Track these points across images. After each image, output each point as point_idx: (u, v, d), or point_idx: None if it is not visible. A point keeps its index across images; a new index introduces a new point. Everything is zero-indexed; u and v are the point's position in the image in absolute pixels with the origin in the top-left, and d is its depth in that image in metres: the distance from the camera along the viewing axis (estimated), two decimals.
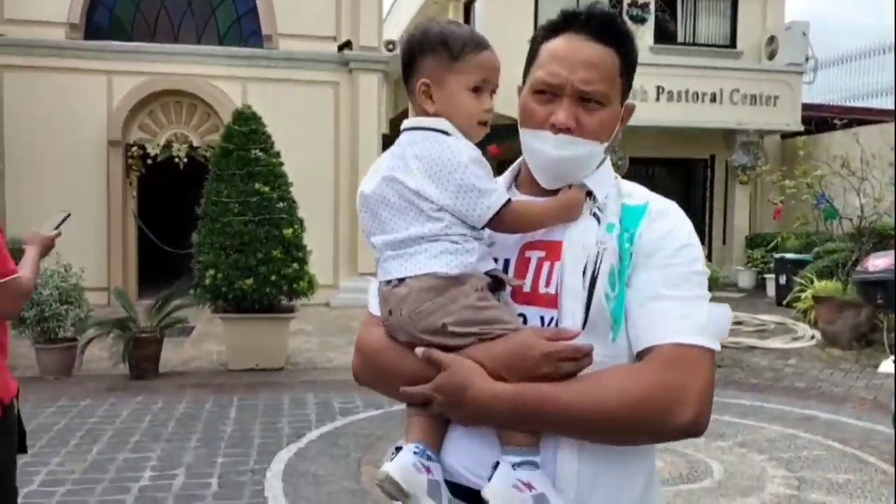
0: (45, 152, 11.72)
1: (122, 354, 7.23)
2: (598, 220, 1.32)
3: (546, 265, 1.32)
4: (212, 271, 7.59)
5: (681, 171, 16.43)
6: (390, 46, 12.73)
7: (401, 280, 1.27)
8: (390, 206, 1.30)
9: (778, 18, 16.19)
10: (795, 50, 15.35)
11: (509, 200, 1.28)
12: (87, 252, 10.72)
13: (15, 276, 2.47)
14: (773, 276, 13.09)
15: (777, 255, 12.97)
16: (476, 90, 1.33)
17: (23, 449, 2.67)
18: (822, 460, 5.13)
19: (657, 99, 14.43)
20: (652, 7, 15.31)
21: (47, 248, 2.84)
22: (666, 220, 1.32)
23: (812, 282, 9.90)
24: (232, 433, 5.72)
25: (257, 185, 7.78)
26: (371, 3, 12.92)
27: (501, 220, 1.27)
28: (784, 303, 11.30)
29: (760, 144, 15.53)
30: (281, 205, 7.89)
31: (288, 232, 7.79)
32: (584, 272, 1.26)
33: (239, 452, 5.26)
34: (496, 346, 1.22)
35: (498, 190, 1.28)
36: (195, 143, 12.33)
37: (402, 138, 1.34)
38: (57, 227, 2.93)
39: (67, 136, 11.84)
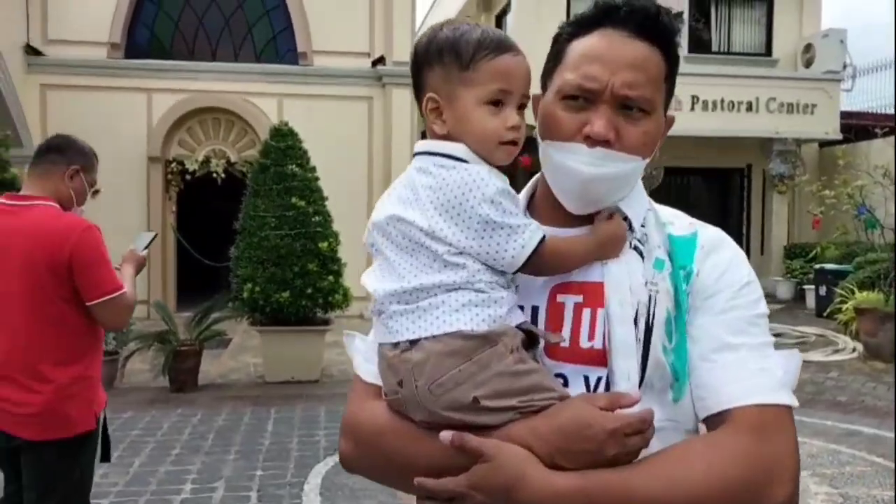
0: None
1: (162, 367, 7.35)
2: (642, 254, 1.12)
3: (586, 313, 1.09)
4: (249, 285, 7.71)
5: (717, 181, 16.27)
6: None
7: (413, 342, 1.02)
8: (397, 246, 1.08)
9: (814, 26, 15.98)
10: (833, 58, 15.13)
11: (544, 237, 1.06)
12: None
13: (122, 291, 2.70)
14: (812, 286, 12.88)
15: (817, 266, 12.77)
16: (496, 104, 1.07)
17: (106, 458, 2.87)
18: (866, 476, 5.03)
19: (692, 108, 14.31)
20: (686, 16, 15.20)
21: (141, 266, 3.09)
22: (722, 252, 1.13)
23: (853, 293, 9.73)
24: (270, 446, 5.79)
25: (294, 200, 7.89)
26: (404, 19, 13.05)
27: (536, 262, 1.05)
28: (824, 314, 11.11)
29: (798, 153, 15.32)
30: (317, 219, 7.99)
31: (323, 245, 7.88)
32: (635, 321, 1.06)
33: (277, 465, 5.32)
34: (543, 423, 0.98)
35: (531, 225, 1.06)
36: (232, 159, 12.53)
37: (414, 163, 1.11)
38: (146, 247, 3.20)
39: (109, 153, 12.06)
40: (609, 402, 0.99)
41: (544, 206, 1.18)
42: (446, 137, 1.09)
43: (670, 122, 1.19)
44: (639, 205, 1.17)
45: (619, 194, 1.13)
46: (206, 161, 12.44)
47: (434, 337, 1.01)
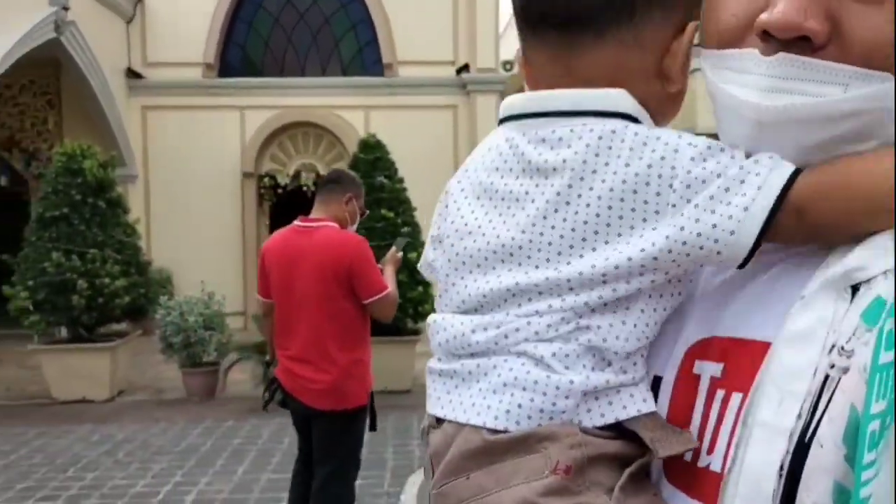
0: (185, 186, 12.46)
1: (261, 377, 7.55)
2: (856, 290, 0.56)
3: (718, 398, 0.62)
4: None
5: None
6: (507, 66, 12.81)
7: (439, 420, 0.69)
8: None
9: None
10: None
11: (797, 171, 0.59)
12: (226, 278, 11.31)
13: (387, 290, 3.48)
14: None
15: None
16: None
17: (373, 427, 3.76)
18: None
19: None
20: None
21: (397, 266, 3.77)
22: None
23: None
24: (366, 455, 5.83)
25: (383, 211, 7.98)
26: (487, 25, 13.06)
27: (797, 218, 0.58)
28: None
29: None
30: (405, 229, 8.05)
31: (412, 256, 7.93)
32: (795, 427, 0.54)
33: (373, 475, 5.37)
34: None
35: (765, 159, 0.60)
36: (321, 172, 12.81)
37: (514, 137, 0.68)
38: (399, 250, 3.88)
39: (205, 170, 12.56)
40: None
41: None
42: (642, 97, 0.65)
43: None
44: None
45: (853, 147, 0.59)
46: (297, 174, 12.77)
47: (457, 424, 0.66)
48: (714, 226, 0.59)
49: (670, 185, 0.60)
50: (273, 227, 13.32)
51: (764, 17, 0.56)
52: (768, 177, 0.58)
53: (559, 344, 0.63)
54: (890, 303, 0.51)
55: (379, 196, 8.08)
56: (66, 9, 9.70)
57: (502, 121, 0.69)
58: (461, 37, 13.06)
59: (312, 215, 3.61)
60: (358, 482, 5.21)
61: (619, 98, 0.64)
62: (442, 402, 0.68)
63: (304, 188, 12.65)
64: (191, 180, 12.47)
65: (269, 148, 12.88)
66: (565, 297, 0.63)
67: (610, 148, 0.62)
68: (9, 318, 8.24)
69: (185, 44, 12.73)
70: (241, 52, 13.33)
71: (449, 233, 0.71)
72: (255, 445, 6.16)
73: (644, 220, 0.61)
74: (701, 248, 0.59)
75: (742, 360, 0.60)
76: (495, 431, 0.63)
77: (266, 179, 12.85)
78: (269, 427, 6.70)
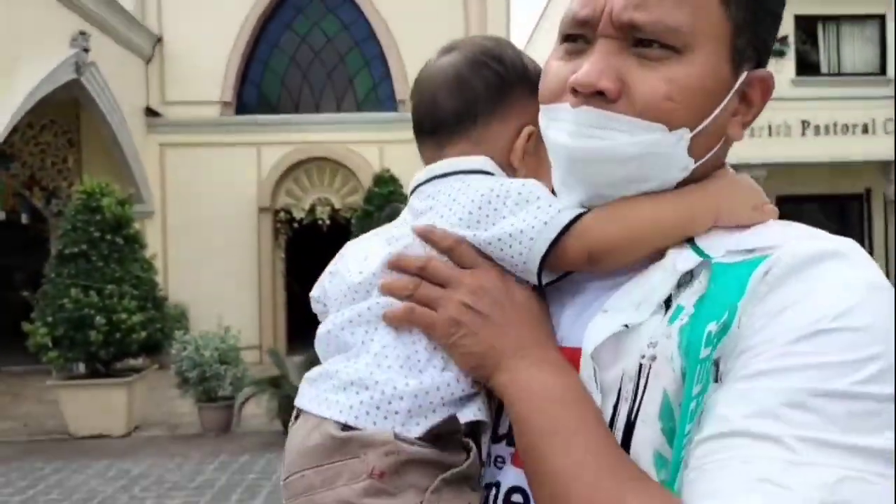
0: (201, 221, 12.60)
1: (276, 411, 7.54)
2: (667, 302, 0.69)
3: None
4: None
5: (834, 208, 15.50)
6: None
7: (299, 412, 0.78)
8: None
9: None
10: None
11: (585, 211, 0.73)
12: (241, 312, 11.37)
13: None
14: None
15: None
16: None
17: None
18: None
19: (803, 134, 13.76)
20: (791, 39, 14.74)
21: None
22: (805, 278, 0.64)
23: None
24: None
25: None
26: None
27: (574, 246, 0.72)
28: None
29: None
30: None
31: None
32: (612, 416, 0.68)
33: None
34: None
35: (558, 204, 0.75)
36: (336, 206, 12.92)
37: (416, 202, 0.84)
38: None
39: (221, 205, 12.69)
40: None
41: None
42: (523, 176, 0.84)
43: (761, 80, 0.74)
44: None
45: (635, 185, 0.72)
46: (312, 209, 12.88)
47: (309, 415, 0.74)
48: (521, 231, 0.73)
49: (505, 203, 0.76)
50: (289, 260, 13.42)
51: (571, 77, 0.71)
52: (564, 211, 0.74)
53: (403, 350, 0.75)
54: (686, 308, 0.67)
55: None
56: (86, 50, 9.93)
57: (411, 192, 0.87)
58: None
59: None
60: None
61: (479, 161, 0.84)
62: (302, 392, 0.78)
63: (320, 222, 12.74)
64: (207, 216, 12.60)
65: (285, 183, 13.02)
66: None
67: (468, 186, 0.80)
68: (28, 354, 8.31)
69: (203, 82, 12.96)
70: (257, 90, 13.55)
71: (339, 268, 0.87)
72: (270, 480, 6.14)
73: (483, 227, 0.76)
74: (510, 246, 0.74)
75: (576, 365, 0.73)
76: (336, 430, 0.71)
77: (282, 214, 12.97)
78: None
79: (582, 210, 0.73)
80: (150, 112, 12.73)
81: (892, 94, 14.72)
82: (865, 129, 14.05)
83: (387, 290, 0.76)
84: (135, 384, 8.14)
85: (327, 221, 12.81)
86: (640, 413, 0.66)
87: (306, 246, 13.89)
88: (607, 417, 0.67)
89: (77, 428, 7.84)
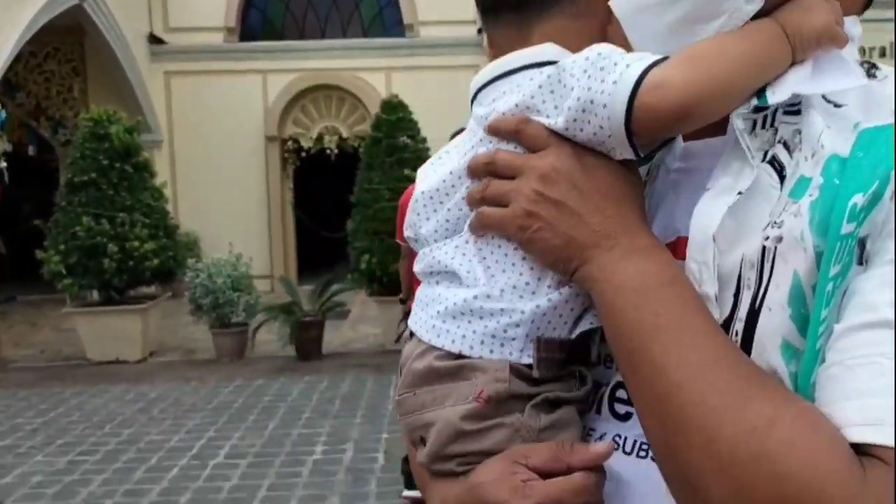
0: (209, 150, 12.54)
1: (289, 337, 7.68)
2: (781, 169, 0.62)
3: None
4: (366, 256, 7.91)
5: None
6: None
7: (412, 333, 0.76)
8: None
9: None
10: None
11: (653, 64, 0.62)
12: (251, 242, 11.43)
13: None
14: None
15: None
16: None
17: None
18: None
19: None
20: None
21: None
22: None
23: None
24: (393, 411, 5.95)
25: (406, 171, 8.00)
26: None
27: (657, 105, 0.61)
28: None
29: None
30: None
31: None
32: (736, 299, 0.61)
33: (400, 429, 5.46)
34: (455, 488, 0.68)
35: (627, 58, 0.64)
36: (344, 134, 12.82)
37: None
38: None
39: (229, 134, 12.62)
40: (548, 460, 0.64)
41: None
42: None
43: None
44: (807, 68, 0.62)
45: (704, 28, 0.63)
46: (320, 138, 12.79)
47: (421, 341, 0.73)
48: (592, 101, 0.63)
49: (572, 74, 0.65)
50: (297, 190, 13.41)
51: None
52: (634, 64, 0.63)
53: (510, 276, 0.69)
54: (814, 180, 0.58)
55: (402, 156, 8.10)
56: None
57: (472, 99, 0.75)
58: None
59: None
60: (385, 436, 5.35)
61: (551, 51, 0.70)
62: (415, 315, 0.74)
63: (328, 151, 12.67)
64: (215, 144, 12.54)
65: (292, 111, 12.89)
66: None
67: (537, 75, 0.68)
68: (43, 284, 8.41)
69: (206, 8, 12.71)
70: (262, 16, 13.29)
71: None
72: (285, 402, 6.29)
73: (557, 110, 0.66)
74: (588, 122, 0.64)
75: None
76: (450, 358, 0.69)
77: (290, 143, 12.89)
78: (298, 385, 6.83)
79: (653, 59, 0.62)
80: (154, 39, 12.52)
81: None
82: None
83: (469, 202, 0.71)
84: (149, 311, 8.26)
85: (335, 151, 12.73)
86: (765, 300, 0.58)
87: (315, 176, 13.89)
88: (727, 309, 0.60)
89: (94, 354, 8.00)
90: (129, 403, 6.44)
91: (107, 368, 7.73)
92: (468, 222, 0.71)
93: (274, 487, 4.49)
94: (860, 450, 0.50)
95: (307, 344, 7.80)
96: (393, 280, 7.93)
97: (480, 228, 0.69)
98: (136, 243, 7.85)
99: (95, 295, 8.53)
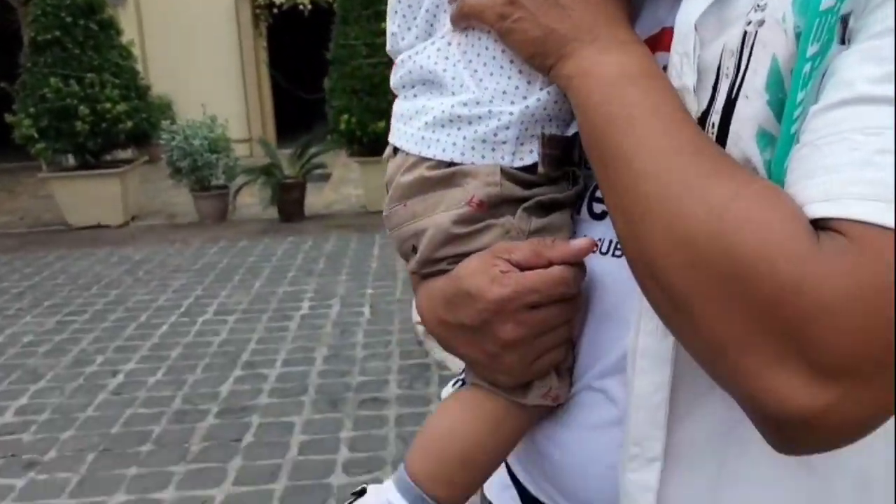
0: (178, 9, 12.00)
1: (270, 199, 7.65)
2: None
3: None
4: (345, 116, 7.76)
5: None
6: None
7: (396, 150, 0.74)
8: None
9: None
10: None
11: None
12: (227, 105, 11.15)
13: None
14: None
15: None
16: None
17: None
18: None
19: None
20: None
21: None
22: None
23: None
24: (377, 268, 6.04)
25: (383, 25, 7.68)
26: None
27: None
28: None
29: None
30: None
31: None
32: (714, 86, 0.58)
33: (385, 285, 5.56)
34: (439, 283, 0.70)
35: None
36: None
37: None
38: None
39: None
40: (528, 255, 0.65)
41: None
42: None
43: None
44: None
45: None
46: None
47: (406, 154, 0.72)
48: None
49: None
50: (272, 51, 12.97)
51: None
52: None
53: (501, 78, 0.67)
54: None
55: (379, 8, 7.77)
56: None
57: None
58: None
59: None
60: (370, 291, 5.44)
61: None
62: (398, 130, 0.72)
63: (301, 7, 12.15)
64: (182, 2, 11.99)
65: None
66: None
67: None
68: (17, 149, 8.24)
69: None
70: None
71: None
72: (270, 262, 6.34)
73: None
74: None
75: (654, 48, 0.64)
76: (437, 165, 0.68)
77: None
78: (283, 246, 6.87)
79: None
80: None
81: None
82: None
83: None
84: (127, 174, 8.16)
85: (308, 6, 12.21)
86: (742, 88, 0.55)
87: (289, 33, 13.40)
88: (705, 100, 0.58)
89: (74, 219, 7.96)
90: (114, 266, 6.48)
91: (88, 233, 7.72)
92: (448, 16, 0.68)
93: (263, 341, 4.60)
94: (821, 225, 0.48)
95: (289, 206, 7.79)
96: (373, 140, 7.83)
97: (460, 19, 0.67)
98: (108, 105, 7.64)
99: (71, 160, 8.39)
